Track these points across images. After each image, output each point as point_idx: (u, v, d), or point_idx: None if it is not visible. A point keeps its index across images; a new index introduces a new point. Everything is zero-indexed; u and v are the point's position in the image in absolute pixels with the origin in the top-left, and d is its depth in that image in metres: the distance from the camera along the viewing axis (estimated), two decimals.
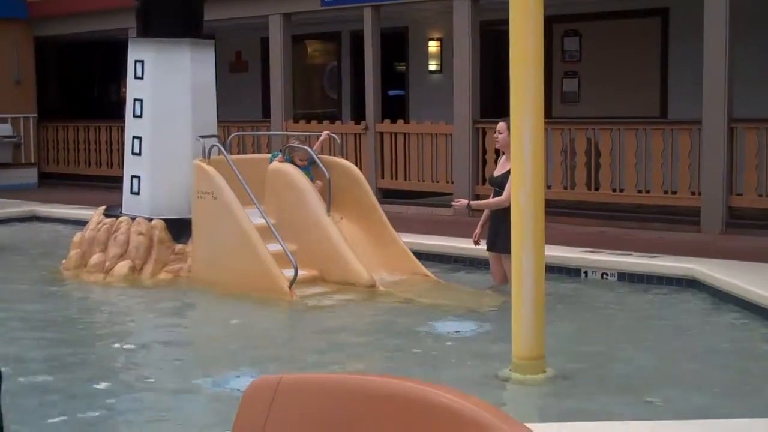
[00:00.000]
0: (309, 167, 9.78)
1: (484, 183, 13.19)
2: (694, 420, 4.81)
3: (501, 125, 8.49)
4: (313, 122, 15.33)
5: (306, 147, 10.01)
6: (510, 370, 6.01)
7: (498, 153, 12.81)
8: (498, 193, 8.44)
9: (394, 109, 16.45)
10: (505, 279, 8.45)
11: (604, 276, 9.22)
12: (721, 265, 8.77)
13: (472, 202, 8.99)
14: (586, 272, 9.33)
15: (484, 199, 9.22)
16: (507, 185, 7.94)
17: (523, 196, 5.97)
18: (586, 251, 9.63)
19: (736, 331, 7.46)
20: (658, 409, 5.52)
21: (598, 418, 4.83)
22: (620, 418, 5.11)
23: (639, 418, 5.20)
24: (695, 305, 8.25)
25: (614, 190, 12.41)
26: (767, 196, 11.28)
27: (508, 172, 8.23)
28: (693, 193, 11.69)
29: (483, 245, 8.75)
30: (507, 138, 8.36)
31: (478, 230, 8.75)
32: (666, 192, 11.98)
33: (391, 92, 16.97)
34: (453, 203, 8.82)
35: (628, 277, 9.07)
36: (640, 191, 12.15)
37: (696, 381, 6.20)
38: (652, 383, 6.09)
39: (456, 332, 7.55)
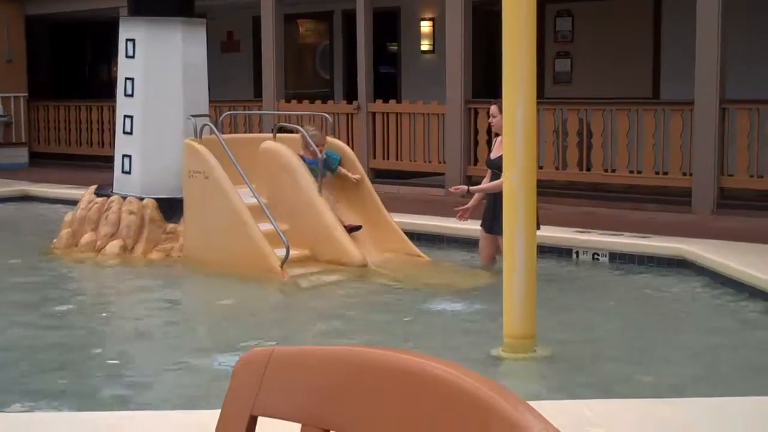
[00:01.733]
0: (327, 164, 9.41)
1: (476, 163, 13.19)
2: (683, 398, 4.84)
3: (493, 109, 8.50)
4: (305, 102, 15.30)
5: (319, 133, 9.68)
6: (501, 349, 6.04)
7: (491, 134, 12.84)
8: (496, 176, 8.42)
9: (386, 87, 16.43)
10: (493, 259, 8.50)
11: (596, 256, 9.24)
12: (711, 246, 8.80)
13: (471, 188, 8.88)
14: (577, 253, 9.34)
15: (477, 179, 9.24)
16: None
17: (515, 175, 5.97)
18: (578, 231, 9.65)
19: (727, 310, 7.49)
20: (648, 388, 5.54)
21: (588, 397, 4.85)
22: (611, 396, 5.13)
23: (629, 396, 5.23)
24: (686, 285, 8.27)
25: (606, 171, 12.43)
26: (758, 176, 11.32)
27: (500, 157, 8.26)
28: (684, 174, 11.72)
29: (469, 224, 8.75)
30: (501, 120, 8.37)
31: (469, 206, 8.75)
32: (657, 173, 12.00)
33: (382, 69, 16.92)
34: (452, 190, 8.78)
35: (619, 258, 9.09)
36: (631, 172, 12.17)
37: (686, 360, 6.23)
38: (643, 362, 6.12)
39: (447, 311, 7.57)
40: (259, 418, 1.50)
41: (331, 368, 1.42)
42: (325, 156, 9.35)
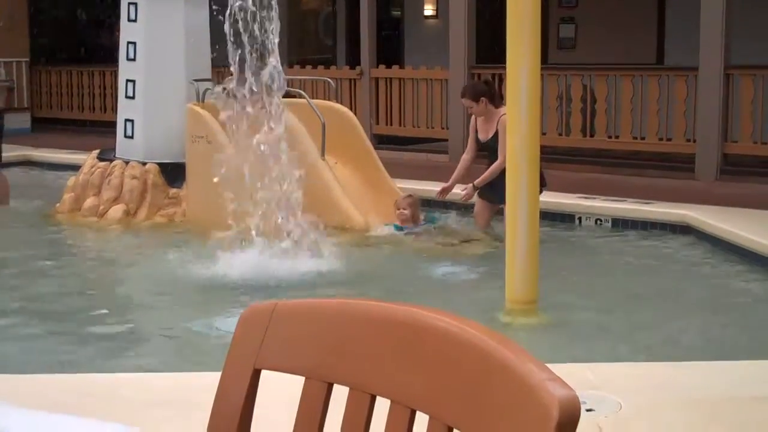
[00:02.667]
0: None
1: None
2: (686, 361, 4.85)
3: (466, 101, 8.51)
4: (308, 67, 15.23)
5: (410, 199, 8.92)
6: (503, 313, 6.04)
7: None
8: (491, 157, 8.37)
9: (389, 50, 16.34)
10: (488, 224, 8.56)
11: (599, 222, 9.23)
12: (715, 212, 8.79)
13: (476, 183, 8.48)
14: (580, 218, 9.33)
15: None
16: (500, 148, 7.95)
17: (519, 141, 5.96)
18: (581, 197, 9.63)
19: (729, 276, 7.49)
20: (651, 351, 5.56)
21: (591, 360, 4.86)
22: (613, 359, 5.14)
23: (632, 359, 5.24)
24: (689, 251, 8.27)
25: (609, 137, 12.38)
26: (762, 143, 11.28)
27: (496, 134, 8.22)
28: (688, 140, 11.68)
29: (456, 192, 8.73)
30: (481, 107, 8.37)
31: (450, 182, 8.75)
32: (661, 139, 11.96)
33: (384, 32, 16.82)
34: (461, 196, 8.58)
35: (622, 224, 9.09)
36: (635, 138, 12.13)
37: (688, 324, 6.24)
38: (645, 326, 6.13)
39: (449, 276, 7.58)
40: (263, 372, 1.50)
41: (335, 321, 1.42)
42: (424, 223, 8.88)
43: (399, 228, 8.74)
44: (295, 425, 1.44)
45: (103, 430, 1.03)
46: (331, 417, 1.44)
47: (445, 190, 8.85)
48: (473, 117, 8.77)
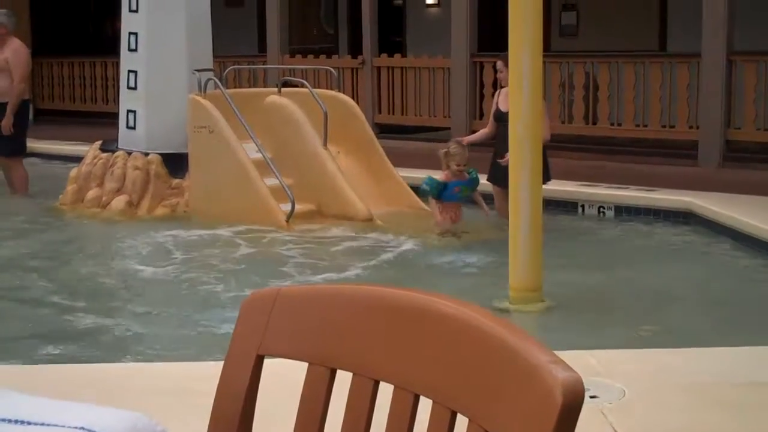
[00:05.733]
0: (469, 182, 8.38)
1: (481, 117, 13.12)
2: (689, 348, 4.85)
3: (499, 64, 8.44)
4: (310, 57, 15.21)
5: (458, 143, 8.53)
6: (507, 301, 6.05)
7: (496, 88, 12.77)
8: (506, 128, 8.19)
9: (391, 41, 16.32)
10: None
11: (601, 210, 9.22)
12: (718, 198, 8.78)
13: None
14: (583, 206, 9.33)
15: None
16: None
17: (522, 128, 5.96)
18: (584, 185, 9.62)
19: (732, 263, 7.49)
20: (654, 338, 5.56)
21: (594, 347, 4.85)
22: (616, 346, 5.14)
23: (635, 346, 5.24)
24: (692, 238, 8.27)
25: (612, 124, 12.36)
26: (765, 129, 11.25)
27: None
28: (691, 127, 11.65)
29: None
30: (508, 75, 8.23)
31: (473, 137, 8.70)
32: (664, 126, 11.94)
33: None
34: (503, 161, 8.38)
35: (625, 211, 9.08)
36: (638, 125, 12.11)
37: (691, 310, 6.25)
38: (649, 314, 6.14)
39: (452, 264, 7.58)
40: (268, 360, 1.50)
41: (338, 307, 1.42)
42: (471, 176, 8.42)
43: (438, 186, 8.28)
44: (299, 411, 1.45)
45: (120, 417, 1.03)
46: (335, 403, 1.44)
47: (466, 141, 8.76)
48: (496, 93, 8.74)
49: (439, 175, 8.39)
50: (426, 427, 1.30)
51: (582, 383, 1.12)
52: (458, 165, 8.27)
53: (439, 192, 8.34)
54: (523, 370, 1.16)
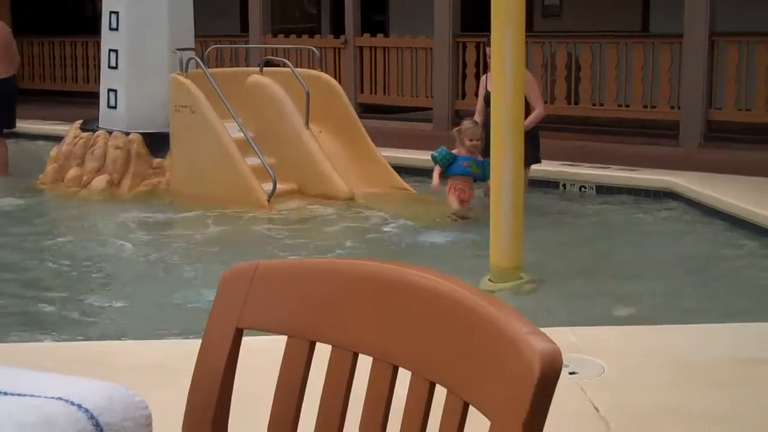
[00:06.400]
0: (481, 163, 7.99)
1: (464, 97, 13.13)
2: (668, 325, 4.88)
3: (489, 49, 8.40)
4: (292, 36, 15.16)
5: (472, 122, 8.35)
6: (489, 278, 6.06)
7: (479, 68, 12.75)
8: None
9: (373, 20, 16.27)
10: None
11: (583, 189, 9.25)
12: (698, 178, 8.83)
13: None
14: (564, 185, 9.35)
15: (465, 113, 9.17)
16: (535, 100, 8.02)
17: (503, 109, 5.96)
18: (566, 164, 9.64)
19: (713, 241, 7.53)
20: (634, 315, 5.59)
21: (575, 324, 4.88)
22: (597, 324, 5.16)
23: (615, 323, 5.27)
24: (672, 217, 8.31)
25: (594, 105, 12.38)
26: (746, 109, 11.29)
27: None
28: (672, 107, 11.69)
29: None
30: None
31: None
32: (646, 106, 11.97)
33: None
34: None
35: (606, 190, 9.12)
36: (620, 105, 12.13)
37: (672, 288, 6.28)
38: (630, 292, 6.16)
39: (434, 243, 7.59)
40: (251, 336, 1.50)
41: (317, 280, 1.42)
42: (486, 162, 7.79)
43: (447, 156, 8.13)
44: (278, 384, 1.45)
45: (97, 388, 1.03)
46: (314, 375, 1.45)
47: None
48: (484, 76, 8.70)
49: (455, 152, 8.23)
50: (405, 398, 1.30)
51: (560, 354, 1.13)
52: (471, 140, 8.07)
53: (449, 163, 8.13)
54: (502, 341, 1.17)
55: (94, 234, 8.41)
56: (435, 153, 8.28)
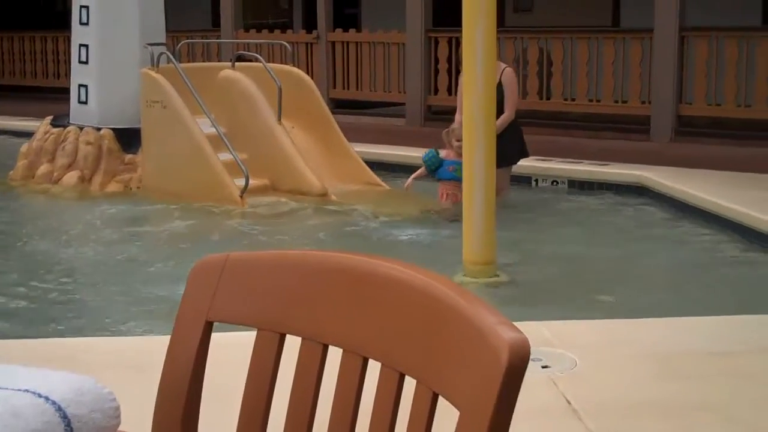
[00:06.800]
0: None
1: (436, 93, 13.15)
2: (640, 318, 4.90)
3: None
4: (264, 31, 15.12)
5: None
6: (462, 274, 6.07)
7: (452, 63, 12.77)
8: None
9: (345, 16, 16.26)
10: (502, 191, 8.10)
11: (555, 183, 9.29)
12: (669, 172, 8.88)
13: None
14: (536, 180, 9.38)
15: (438, 108, 9.16)
16: (508, 101, 7.95)
17: (475, 104, 5.96)
18: (537, 159, 9.66)
19: (683, 235, 7.58)
20: (606, 309, 5.62)
21: (547, 319, 4.90)
22: (570, 318, 5.19)
23: (588, 317, 5.29)
24: (644, 211, 8.36)
25: (566, 100, 12.43)
26: (716, 104, 11.37)
27: (499, 84, 8.06)
28: (643, 102, 11.75)
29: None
30: None
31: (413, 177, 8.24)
32: (617, 101, 12.03)
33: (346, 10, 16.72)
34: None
35: (578, 185, 9.16)
36: (591, 100, 12.18)
37: (643, 282, 6.32)
38: (602, 285, 6.20)
39: (407, 238, 7.60)
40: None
41: (287, 272, 1.42)
42: None
43: (434, 160, 8.06)
44: (248, 376, 1.45)
45: (66, 380, 1.03)
46: (285, 368, 1.45)
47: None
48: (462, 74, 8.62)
49: (443, 154, 8.15)
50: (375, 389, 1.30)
51: (527, 343, 1.14)
52: (458, 140, 7.65)
53: (435, 167, 8.07)
54: (470, 332, 1.17)
55: (65, 231, 8.36)
56: (424, 155, 8.19)
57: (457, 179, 7.86)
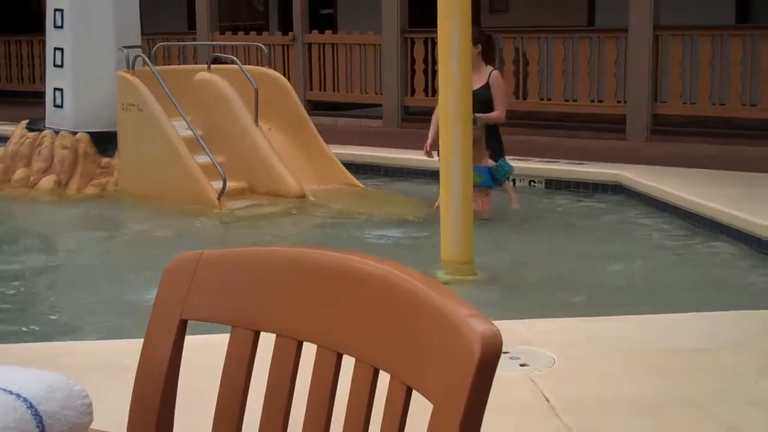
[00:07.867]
0: (485, 170, 7.69)
1: (413, 94, 13.16)
2: (617, 316, 4.93)
3: None
4: (240, 33, 15.10)
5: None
6: (441, 273, 6.08)
7: (428, 64, 12.78)
8: (481, 109, 7.71)
9: (322, 18, 16.25)
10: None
11: (532, 183, 9.32)
12: (645, 171, 8.93)
13: (480, 115, 7.60)
14: (514, 180, 9.38)
15: (414, 109, 9.16)
16: (498, 103, 7.94)
17: (452, 104, 5.98)
18: (514, 159, 9.64)
19: (660, 233, 7.63)
20: (584, 307, 5.64)
21: (525, 317, 4.91)
22: (547, 316, 5.20)
23: (565, 315, 5.30)
24: (621, 209, 8.40)
25: (542, 99, 12.46)
26: (691, 103, 11.44)
27: (486, 86, 8.07)
28: (619, 102, 11.80)
29: (407, 154, 8.66)
30: (474, 53, 7.66)
31: (429, 141, 7.94)
32: (593, 100, 12.07)
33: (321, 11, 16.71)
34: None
35: (555, 184, 9.19)
36: (567, 100, 12.23)
37: (621, 280, 6.35)
38: (580, 284, 6.22)
39: (386, 239, 7.60)
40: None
41: (261, 269, 1.42)
42: (496, 165, 7.87)
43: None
44: (223, 375, 1.44)
45: (37, 377, 1.03)
46: (259, 365, 1.45)
47: (430, 147, 8.36)
48: None
49: None
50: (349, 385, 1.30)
51: (500, 336, 1.14)
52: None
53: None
54: (443, 325, 1.18)
55: (42, 235, 8.32)
56: (503, 166, 7.99)
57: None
